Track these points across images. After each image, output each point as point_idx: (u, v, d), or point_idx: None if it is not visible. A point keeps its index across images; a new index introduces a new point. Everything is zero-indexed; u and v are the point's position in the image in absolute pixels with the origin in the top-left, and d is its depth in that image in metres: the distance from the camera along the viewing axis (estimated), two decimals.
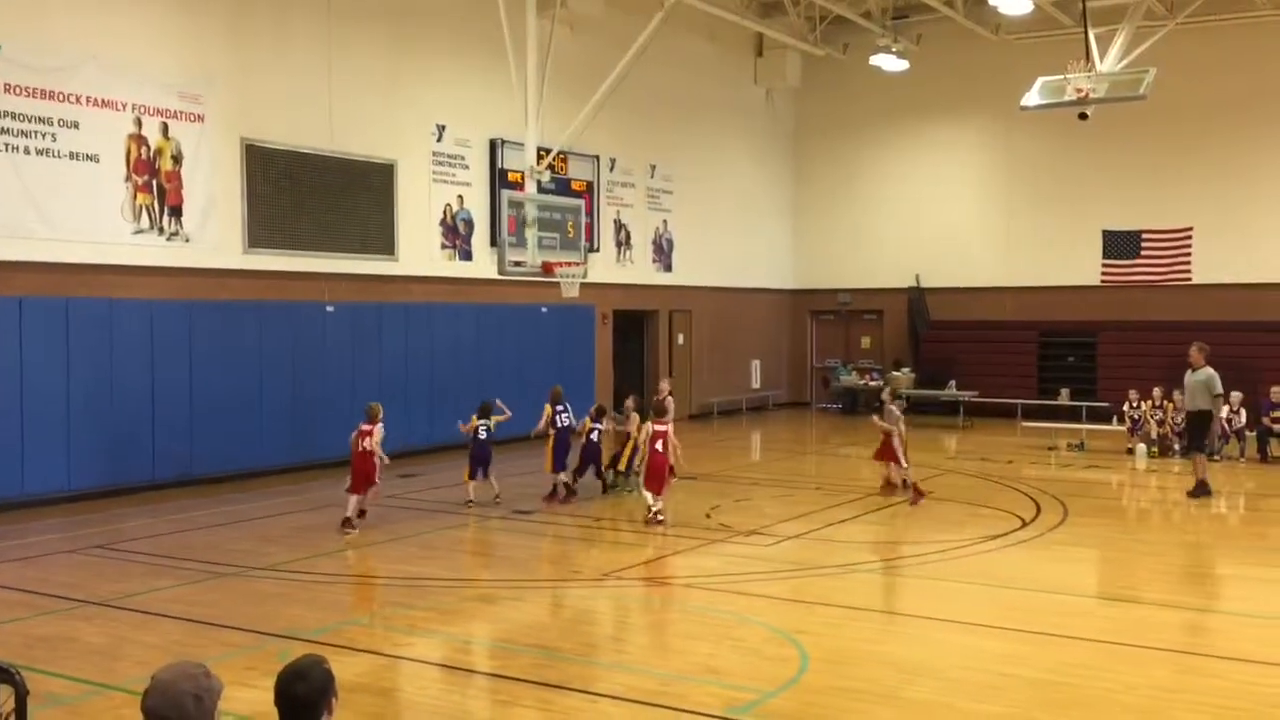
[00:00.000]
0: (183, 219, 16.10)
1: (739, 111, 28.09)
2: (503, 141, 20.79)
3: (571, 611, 10.10)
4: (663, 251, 25.79)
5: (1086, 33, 16.32)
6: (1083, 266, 26.28)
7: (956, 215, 27.83)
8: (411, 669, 8.10)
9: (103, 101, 15.11)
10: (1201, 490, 15.08)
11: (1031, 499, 15.04)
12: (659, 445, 13.37)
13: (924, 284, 28.03)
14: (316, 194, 17.88)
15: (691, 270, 26.43)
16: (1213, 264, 24.91)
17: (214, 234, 16.50)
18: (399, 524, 13.23)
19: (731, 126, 27.82)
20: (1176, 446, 19.06)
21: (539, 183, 16.10)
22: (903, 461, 15.16)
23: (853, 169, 29.15)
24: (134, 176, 15.51)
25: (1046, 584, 10.36)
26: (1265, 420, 19.03)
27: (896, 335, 28.79)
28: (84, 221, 14.93)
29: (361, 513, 12.95)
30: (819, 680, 7.58)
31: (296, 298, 17.62)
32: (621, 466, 15.58)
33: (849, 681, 7.56)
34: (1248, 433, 19.29)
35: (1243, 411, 19.34)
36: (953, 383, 25.82)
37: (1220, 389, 15.16)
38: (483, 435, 14.60)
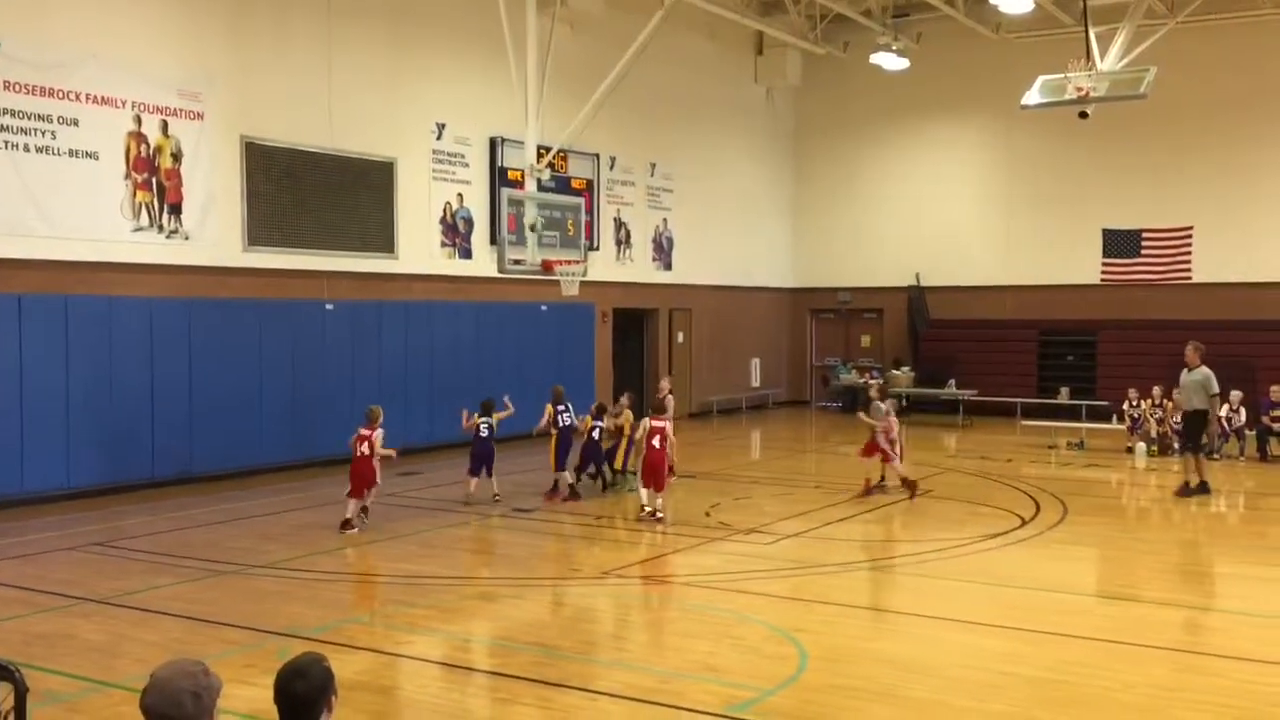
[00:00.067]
0: (182, 217, 16.10)
1: (739, 110, 28.08)
2: (503, 140, 20.78)
3: (571, 609, 10.11)
4: (663, 250, 25.79)
5: (1087, 31, 16.32)
6: (1083, 265, 26.28)
7: (957, 214, 27.83)
8: (411, 667, 8.10)
9: (102, 99, 15.10)
10: (1201, 489, 15.09)
11: (1031, 498, 15.05)
12: (656, 442, 13.36)
13: (924, 283, 28.04)
14: (316, 192, 17.88)
15: (691, 269, 26.43)
16: (1213, 263, 24.92)
17: (213, 232, 16.50)
18: (399, 522, 13.23)
19: (732, 125, 27.81)
20: (1176, 445, 19.05)
21: (539, 181, 16.09)
22: (893, 457, 15.11)
23: (853, 167, 29.15)
24: (134, 174, 15.51)
25: (1046, 582, 10.36)
26: (1265, 419, 19.03)
27: (896, 334, 28.79)
28: (83, 219, 14.93)
29: (364, 509, 12.90)
30: (818, 678, 7.58)
31: (296, 296, 17.62)
32: (618, 464, 15.59)
33: (848, 680, 7.56)
34: (1247, 431, 19.29)
35: (1242, 410, 19.34)
36: (952, 381, 25.83)
37: (1216, 388, 15.15)
38: (484, 433, 14.60)
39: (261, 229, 17.13)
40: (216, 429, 16.21)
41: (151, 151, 15.72)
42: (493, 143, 20.93)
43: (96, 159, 15.05)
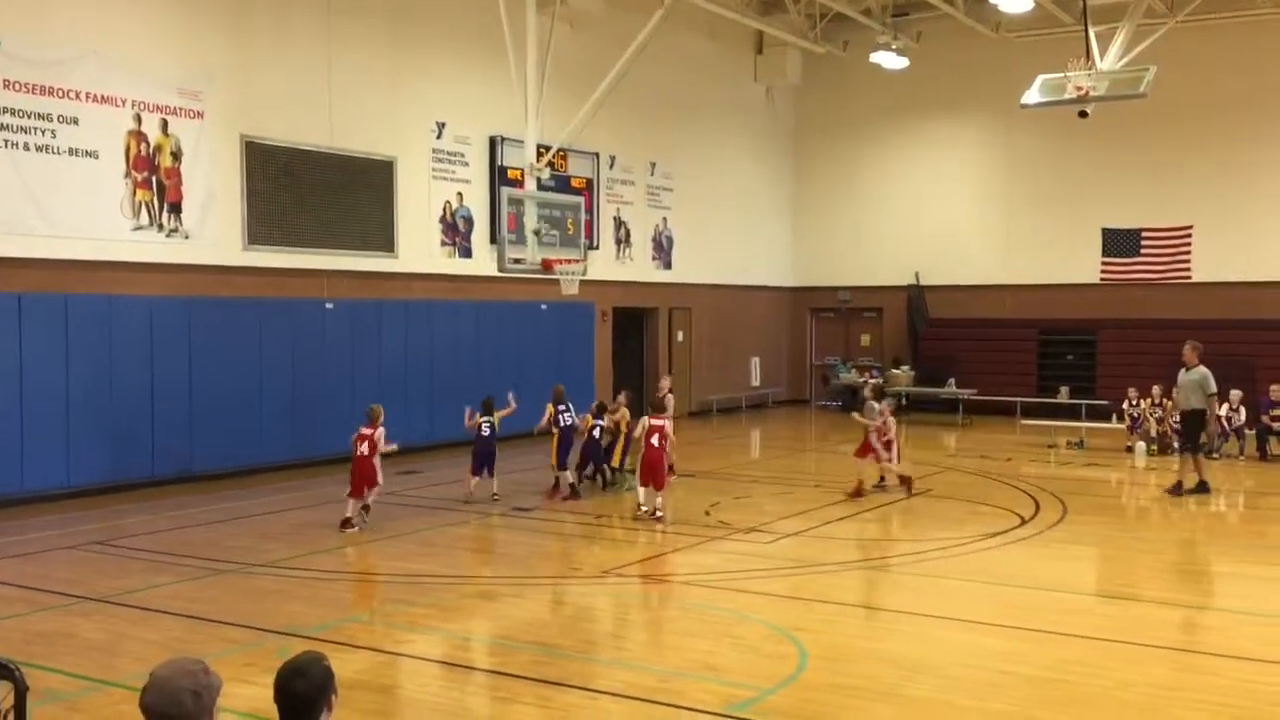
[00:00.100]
0: (182, 216, 16.10)
1: (739, 109, 28.08)
2: (502, 139, 20.78)
3: (571, 608, 10.11)
4: (662, 249, 25.79)
5: (1087, 30, 16.32)
6: (1082, 264, 26.28)
7: (956, 213, 27.83)
8: (411, 666, 8.10)
9: (102, 98, 15.10)
10: (1201, 489, 15.09)
11: (1031, 497, 15.05)
12: (655, 440, 13.35)
13: (924, 282, 28.04)
14: (316, 191, 17.88)
15: (691, 268, 26.42)
16: (1212, 262, 24.92)
17: (213, 231, 16.49)
18: (399, 521, 13.23)
19: (731, 124, 27.81)
20: (1176, 445, 19.05)
21: (539, 180, 16.10)
22: (883, 457, 15.07)
23: (853, 166, 29.14)
24: (133, 173, 15.50)
25: (1045, 582, 10.36)
26: (1264, 418, 19.04)
27: (896, 333, 28.79)
28: (83, 218, 14.93)
29: (365, 508, 12.87)
30: (818, 677, 7.58)
31: (296, 294, 17.62)
32: (615, 462, 15.60)
33: (848, 679, 7.56)
34: (1247, 431, 19.30)
35: (1242, 409, 19.35)
36: (952, 380, 25.83)
37: (1214, 388, 15.14)
38: (485, 432, 14.61)
39: (261, 228, 17.13)
40: (216, 428, 16.22)
41: (151, 150, 15.72)
42: (492, 142, 20.93)
43: (96, 158, 15.05)
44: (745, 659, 8.08)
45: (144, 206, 15.63)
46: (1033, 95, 16.15)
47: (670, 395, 15.96)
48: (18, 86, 14.22)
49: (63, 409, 14.62)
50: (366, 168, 18.69)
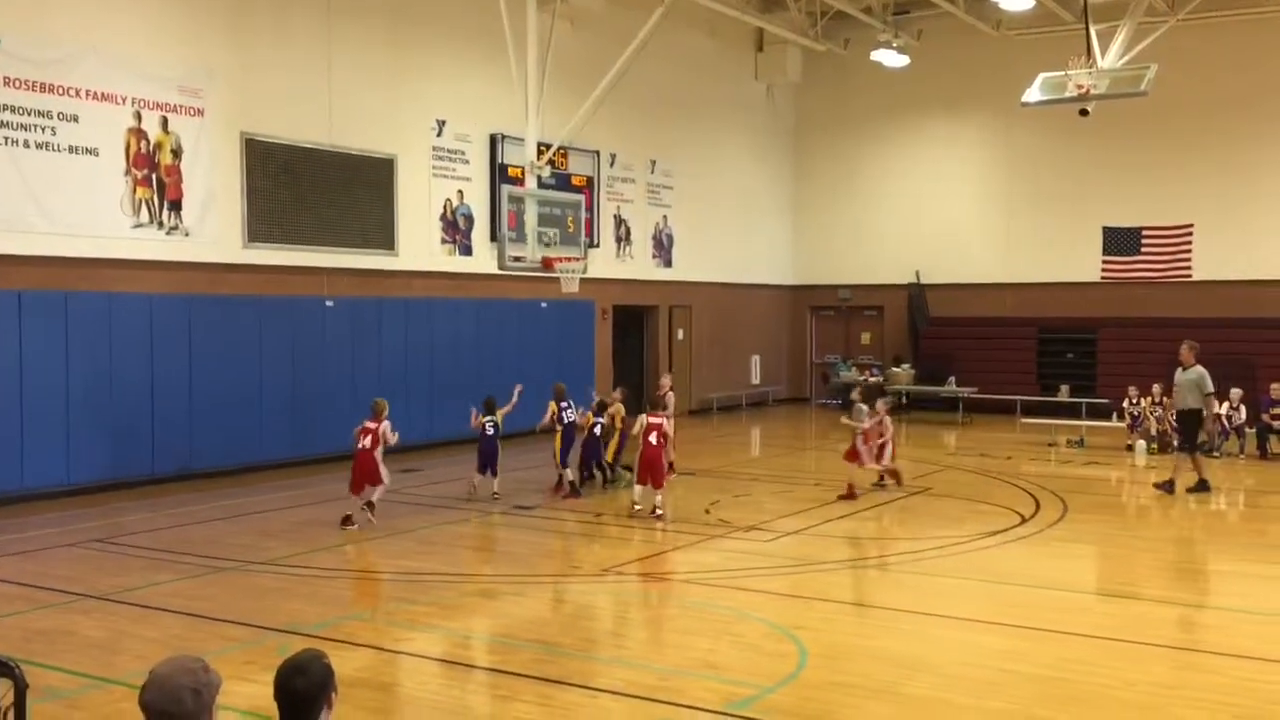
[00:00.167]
0: (182, 213, 16.09)
1: (739, 107, 28.07)
2: (503, 136, 20.78)
3: (571, 607, 10.11)
4: (663, 247, 25.78)
5: (1088, 29, 16.32)
6: (1083, 263, 26.28)
7: (957, 211, 27.83)
8: (411, 664, 8.10)
9: (102, 95, 15.09)
10: (1201, 487, 15.08)
11: (1031, 495, 15.05)
12: (653, 438, 13.33)
13: (924, 280, 28.03)
14: (316, 188, 17.87)
15: (691, 266, 26.42)
16: (1213, 261, 24.91)
17: (213, 228, 16.49)
18: (399, 519, 13.22)
19: (732, 122, 27.80)
20: (1176, 443, 19.04)
21: (539, 178, 16.10)
22: (865, 461, 15.00)
23: (853, 165, 29.13)
24: (133, 170, 15.50)
25: (1045, 580, 10.36)
26: (1265, 417, 19.03)
27: (896, 331, 28.79)
28: (83, 215, 14.92)
29: (370, 505, 12.80)
30: (817, 676, 7.58)
31: (296, 292, 17.62)
32: (609, 458, 15.59)
33: (847, 677, 7.56)
34: (1247, 429, 19.29)
35: (1242, 408, 19.35)
36: (952, 379, 25.84)
37: (1211, 388, 15.10)
38: (489, 431, 14.62)
39: (261, 225, 17.12)
40: (216, 425, 16.21)
41: (151, 148, 15.71)
42: (493, 139, 20.93)
43: (96, 155, 15.04)
44: (745, 657, 8.08)
45: (144, 204, 15.63)
46: (1033, 93, 16.15)
47: (671, 393, 15.95)
48: (18, 84, 14.21)
49: (63, 406, 14.62)
50: (367, 165, 18.68)
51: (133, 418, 15.34)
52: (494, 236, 19.66)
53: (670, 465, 14.46)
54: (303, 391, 17.42)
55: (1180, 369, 15.32)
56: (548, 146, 16.23)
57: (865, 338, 29.79)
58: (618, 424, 15.55)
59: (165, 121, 15.84)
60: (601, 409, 15.55)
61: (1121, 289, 25.95)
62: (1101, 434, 20.92)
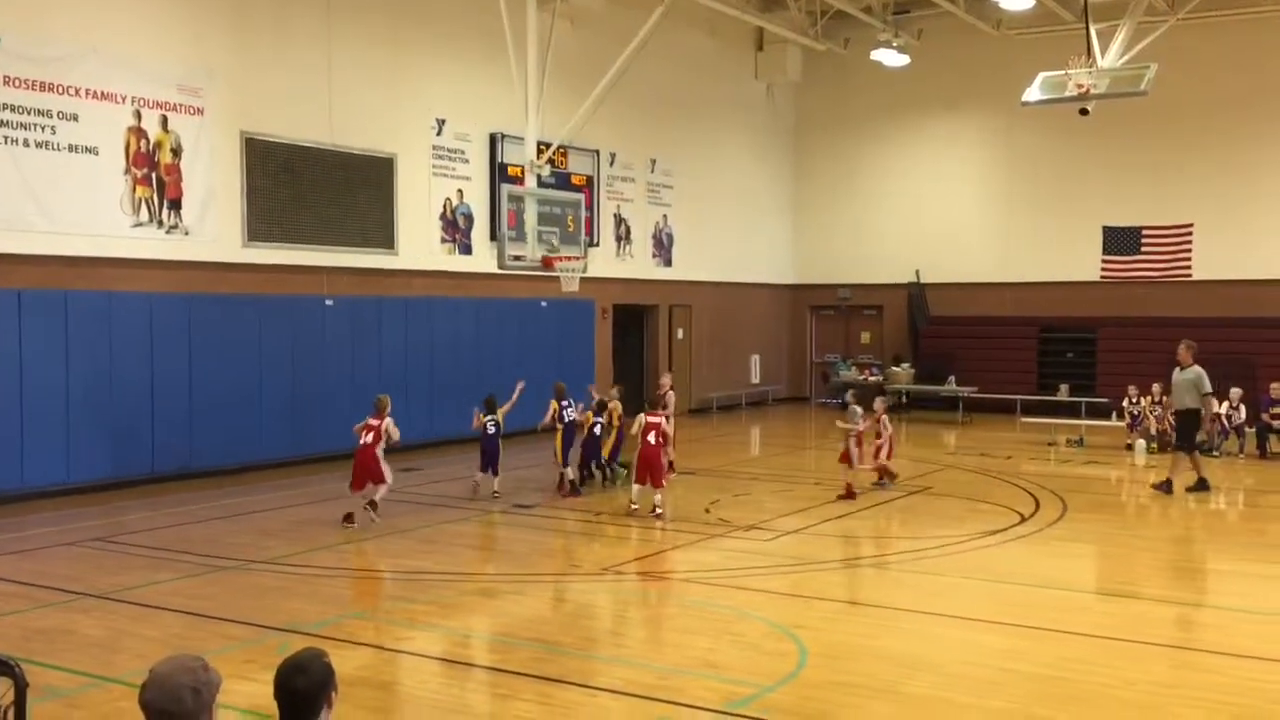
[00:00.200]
0: (182, 212, 16.09)
1: (739, 106, 28.06)
2: (503, 136, 20.78)
3: (571, 606, 10.11)
4: (663, 246, 25.78)
5: (1088, 28, 16.32)
6: (1083, 262, 26.28)
7: (957, 211, 27.82)
8: (411, 663, 8.11)
9: (102, 94, 15.09)
10: (1200, 486, 15.09)
11: (1030, 494, 15.05)
12: (651, 438, 13.32)
13: (924, 279, 28.03)
14: (316, 188, 17.87)
15: (691, 265, 26.42)
16: (1213, 260, 24.90)
17: (213, 227, 16.49)
18: (399, 518, 13.22)
19: (732, 121, 27.79)
20: (1174, 442, 19.06)
21: (539, 177, 16.09)
22: (854, 462, 14.97)
23: (853, 164, 29.13)
24: (133, 169, 15.49)
25: (1045, 579, 10.36)
26: (1265, 416, 19.03)
27: (896, 330, 28.79)
28: (83, 214, 14.92)
29: (373, 505, 12.72)
30: (817, 675, 7.58)
31: (296, 291, 17.61)
32: (604, 454, 15.58)
33: (847, 676, 7.56)
34: (1247, 429, 19.29)
35: (1242, 408, 19.34)
36: (952, 378, 25.83)
37: (1208, 387, 15.09)
38: (491, 430, 14.63)
39: (261, 224, 17.12)
40: (216, 424, 16.21)
41: (151, 147, 15.71)
42: (493, 138, 20.92)
43: (96, 154, 15.04)
44: (745, 656, 8.08)
45: (144, 203, 15.63)
46: (1033, 93, 16.16)
47: (671, 392, 15.95)
48: (18, 83, 14.20)
49: (62, 405, 14.61)
50: (367, 164, 18.68)
51: (132, 417, 15.34)
52: (494, 236, 19.65)
53: (670, 464, 14.44)
54: (302, 390, 17.42)
55: (1178, 369, 15.32)
56: (547, 145, 16.22)
57: (865, 337, 29.79)
58: (614, 421, 15.56)
59: (165, 120, 15.84)
60: (601, 409, 15.55)
61: (1121, 288, 25.95)
62: (1101, 433, 20.93)
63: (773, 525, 12.90)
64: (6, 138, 14.13)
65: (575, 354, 22.34)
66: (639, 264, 25.01)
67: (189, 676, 3.11)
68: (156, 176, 15.78)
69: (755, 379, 28.97)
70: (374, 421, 12.79)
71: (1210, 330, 21.28)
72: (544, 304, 21.72)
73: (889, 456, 15.68)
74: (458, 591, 10.18)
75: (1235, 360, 20.85)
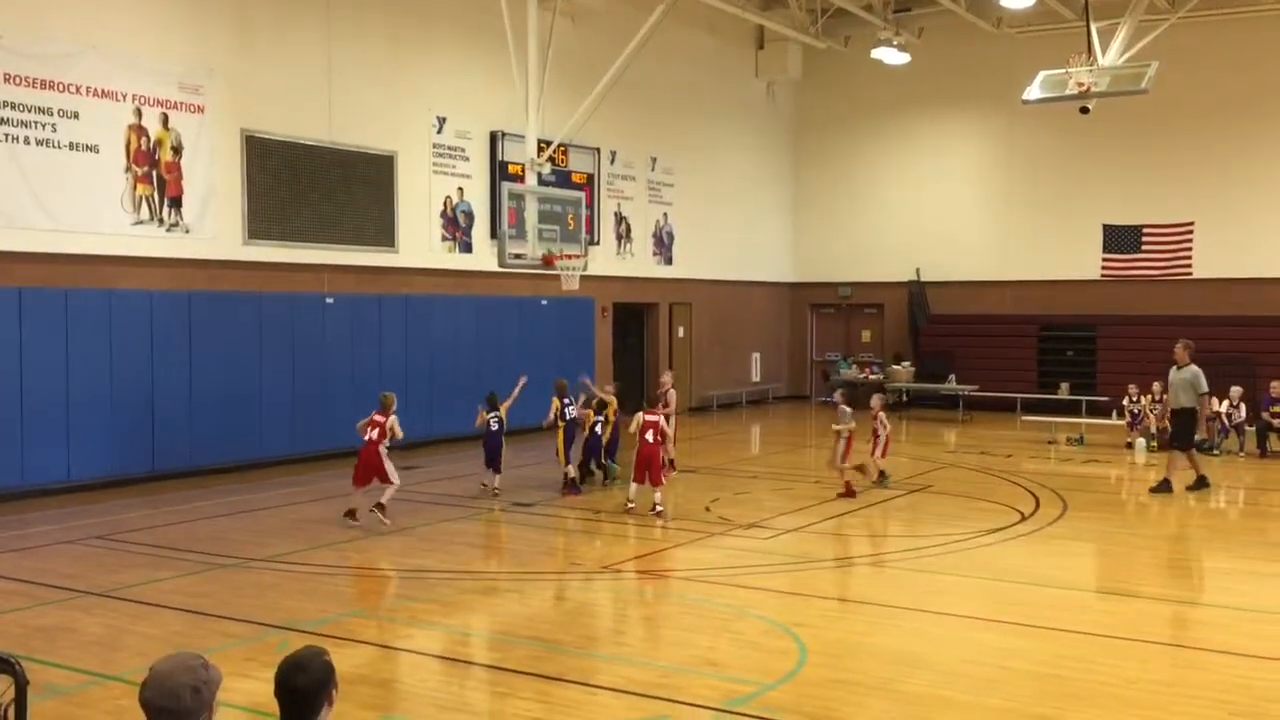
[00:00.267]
0: (182, 210, 16.10)
1: (740, 104, 28.06)
2: (503, 134, 20.77)
3: (571, 604, 10.11)
4: (663, 244, 25.78)
5: (1088, 26, 16.31)
6: (1083, 260, 26.28)
7: (957, 209, 27.82)
8: (411, 660, 8.11)
9: (103, 92, 15.09)
10: (1200, 484, 15.09)
11: (1030, 493, 15.05)
12: (649, 436, 13.31)
13: (924, 278, 28.03)
14: (316, 185, 17.87)
15: (692, 263, 26.42)
16: (1213, 258, 24.91)
17: (214, 225, 16.49)
18: (399, 516, 13.21)
19: (732, 119, 27.79)
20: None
21: (539, 175, 16.09)
22: (836, 462, 14.94)
23: (853, 162, 29.13)
24: (134, 167, 15.50)
25: (1045, 578, 10.37)
26: (1265, 415, 19.03)
27: (897, 329, 28.79)
28: (84, 212, 14.93)
29: (381, 506, 12.56)
30: (817, 673, 7.59)
31: (296, 289, 17.62)
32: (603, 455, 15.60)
33: (847, 674, 7.57)
34: (1247, 427, 19.29)
35: (1242, 406, 19.34)
36: (952, 376, 25.84)
37: (1205, 387, 15.04)
38: (494, 427, 14.65)
39: (261, 222, 17.13)
40: (217, 422, 16.22)
41: (152, 145, 15.71)
42: (493, 137, 20.92)
43: (97, 152, 15.04)
44: (745, 654, 8.08)
45: (144, 201, 15.63)
46: (1034, 91, 16.15)
47: (673, 390, 15.95)
48: (18, 81, 14.21)
49: (63, 403, 14.62)
50: (367, 162, 18.68)
51: (133, 415, 15.35)
52: (494, 234, 19.61)
53: (671, 463, 14.44)
54: (303, 388, 17.43)
55: (1174, 368, 15.30)
56: (548, 143, 16.22)
57: (865, 335, 29.79)
58: (611, 417, 15.55)
59: (165, 118, 15.84)
60: (602, 408, 15.55)
61: (1122, 287, 25.95)
62: (1101, 432, 20.93)
63: (773, 523, 12.91)
64: (7, 135, 14.13)
65: (576, 352, 22.30)
66: (639, 262, 25.01)
67: (189, 675, 3.11)
68: (157, 174, 15.78)
69: (756, 377, 28.98)
70: (379, 418, 12.72)
71: (1210, 329, 21.29)
72: (544, 302, 21.72)
73: (883, 455, 15.65)
74: (458, 589, 10.19)
75: (1235, 358, 20.85)
